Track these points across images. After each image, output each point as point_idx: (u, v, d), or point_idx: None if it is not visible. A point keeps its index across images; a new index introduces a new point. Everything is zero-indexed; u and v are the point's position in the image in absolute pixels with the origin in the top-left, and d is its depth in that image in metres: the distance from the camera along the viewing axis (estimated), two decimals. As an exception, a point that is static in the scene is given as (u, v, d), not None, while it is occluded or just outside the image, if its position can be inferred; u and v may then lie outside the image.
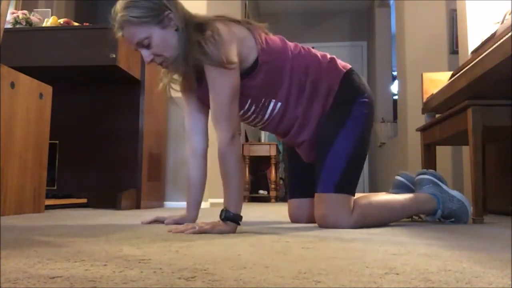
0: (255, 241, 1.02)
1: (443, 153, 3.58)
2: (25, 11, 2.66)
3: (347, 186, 1.42)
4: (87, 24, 2.68)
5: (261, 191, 5.50)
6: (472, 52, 2.80)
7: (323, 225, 1.40)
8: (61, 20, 2.60)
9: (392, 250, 0.87)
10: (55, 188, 2.74)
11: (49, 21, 2.59)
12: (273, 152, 5.11)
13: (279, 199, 5.68)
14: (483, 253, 0.86)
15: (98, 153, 2.79)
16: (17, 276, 0.58)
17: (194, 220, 1.51)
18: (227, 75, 1.27)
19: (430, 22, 4.14)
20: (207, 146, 1.53)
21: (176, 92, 1.49)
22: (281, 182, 6.13)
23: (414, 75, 3.94)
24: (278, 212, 2.50)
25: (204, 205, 1.46)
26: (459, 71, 2.09)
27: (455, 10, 3.65)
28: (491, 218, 2.03)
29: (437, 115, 2.49)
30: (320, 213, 1.41)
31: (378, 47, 6.13)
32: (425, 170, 1.68)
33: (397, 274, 0.62)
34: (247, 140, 5.52)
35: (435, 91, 2.49)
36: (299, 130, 1.51)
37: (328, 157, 1.43)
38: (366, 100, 1.50)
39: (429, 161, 2.50)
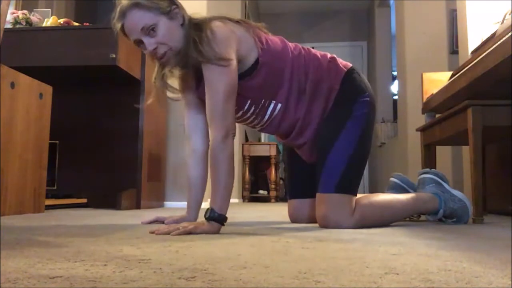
0: (255, 241, 1.02)
1: (443, 153, 3.58)
2: (25, 11, 2.66)
3: (349, 186, 1.41)
4: (87, 24, 2.68)
5: (261, 191, 5.50)
6: (472, 52, 2.80)
7: (325, 225, 1.40)
8: (61, 20, 2.61)
9: (392, 250, 0.87)
10: (55, 188, 2.74)
11: (49, 21, 2.59)
12: (273, 152, 5.11)
13: (279, 199, 5.68)
14: (483, 253, 0.86)
15: (98, 153, 2.79)
16: (17, 276, 0.58)
17: (194, 220, 1.50)
18: (223, 72, 1.26)
19: (430, 22, 4.14)
20: (207, 147, 1.52)
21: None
22: (281, 182, 6.13)
23: (414, 75, 3.95)
24: (278, 212, 2.50)
25: (204, 205, 1.45)
26: (459, 71, 2.09)
27: (455, 10, 3.65)
28: (491, 218, 2.03)
29: (437, 115, 2.49)
30: (321, 213, 1.41)
31: (378, 47, 6.13)
32: (427, 169, 1.68)
33: (397, 274, 0.62)
34: (247, 140, 5.52)
35: (435, 91, 2.49)
36: (300, 131, 1.51)
37: (329, 157, 1.43)
38: (367, 99, 1.50)
39: (429, 161, 2.50)
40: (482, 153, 1.87)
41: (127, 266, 0.66)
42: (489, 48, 1.74)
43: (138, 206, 2.65)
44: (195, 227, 1.17)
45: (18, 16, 2.60)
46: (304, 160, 1.63)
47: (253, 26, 1.41)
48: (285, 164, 1.83)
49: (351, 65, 1.56)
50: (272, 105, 1.46)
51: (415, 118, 3.88)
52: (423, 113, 2.66)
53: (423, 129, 2.54)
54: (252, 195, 5.33)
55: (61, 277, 0.58)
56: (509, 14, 2.16)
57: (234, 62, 1.30)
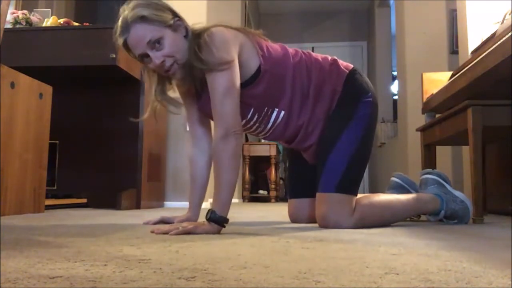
0: (255, 241, 1.02)
1: (443, 153, 3.58)
2: (25, 11, 2.66)
3: (349, 186, 1.41)
4: (87, 24, 2.68)
5: (261, 191, 5.50)
6: (472, 52, 2.80)
7: (324, 225, 1.40)
8: (61, 20, 2.61)
9: (392, 250, 0.87)
10: (55, 188, 2.74)
11: (49, 21, 2.59)
12: (273, 152, 5.11)
13: (279, 199, 5.68)
14: (483, 253, 0.86)
15: (98, 153, 2.79)
16: (17, 276, 0.58)
17: (197, 220, 1.50)
18: (224, 74, 1.26)
19: (430, 22, 4.14)
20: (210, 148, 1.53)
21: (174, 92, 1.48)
22: (281, 182, 6.13)
23: (414, 75, 3.95)
24: (278, 212, 2.50)
25: (205, 205, 1.46)
26: (459, 71, 2.09)
27: (455, 10, 3.65)
28: (491, 218, 2.03)
29: (437, 115, 2.49)
30: (321, 212, 1.40)
31: (378, 47, 6.13)
32: (430, 170, 1.68)
33: (397, 274, 0.62)
34: (247, 140, 5.52)
35: (435, 91, 2.49)
36: (306, 135, 1.51)
37: (330, 157, 1.43)
38: (370, 99, 1.50)
39: (429, 161, 2.50)
40: (482, 153, 1.87)
41: (127, 266, 0.66)
42: (489, 48, 1.74)
43: (138, 206, 2.65)
44: (195, 227, 1.17)
45: (18, 16, 2.60)
46: (306, 160, 1.62)
47: (253, 34, 1.41)
48: (286, 164, 1.83)
49: (352, 66, 1.56)
50: (275, 113, 1.46)
51: (415, 118, 3.88)
52: (423, 113, 2.66)
53: (423, 129, 2.54)
54: (252, 195, 5.33)
55: (61, 277, 0.58)
56: (509, 14, 2.16)
57: (236, 62, 1.29)
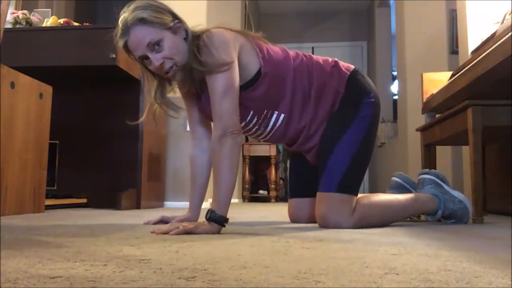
0: (255, 241, 1.02)
1: (443, 153, 3.58)
2: (25, 11, 2.66)
3: (350, 186, 1.41)
4: (87, 24, 2.68)
5: (261, 191, 5.50)
6: (472, 52, 2.80)
7: (324, 225, 1.40)
8: (61, 20, 2.61)
9: (392, 250, 0.87)
10: (55, 188, 2.74)
11: (49, 21, 2.59)
12: (273, 152, 5.11)
13: (279, 199, 5.68)
14: (483, 253, 0.86)
15: (98, 153, 2.79)
16: (17, 276, 0.58)
17: (197, 220, 1.50)
18: (221, 76, 1.26)
19: (430, 22, 4.14)
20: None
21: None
22: (281, 182, 6.13)
23: (414, 75, 3.95)
24: (278, 212, 2.50)
25: (205, 205, 1.46)
26: (459, 71, 2.09)
27: (455, 10, 3.65)
28: (491, 218, 2.03)
29: (437, 115, 2.49)
30: (321, 212, 1.40)
31: (378, 47, 6.13)
32: (427, 170, 1.68)
33: (397, 274, 0.62)
34: (247, 140, 5.52)
35: (435, 91, 2.49)
36: (307, 137, 1.51)
37: (331, 157, 1.43)
38: (372, 100, 1.50)
39: (429, 161, 2.50)
40: (482, 153, 1.87)
41: (127, 266, 0.66)
42: (489, 48, 1.74)
43: (138, 206, 2.65)
44: (195, 226, 1.17)
45: (18, 16, 2.60)
46: (307, 160, 1.62)
47: (253, 36, 1.41)
48: (286, 164, 1.83)
49: (353, 67, 1.56)
50: (274, 116, 1.46)
51: (415, 118, 3.88)
52: (423, 113, 2.66)
53: (423, 129, 2.54)
54: (252, 195, 5.33)
55: (61, 277, 0.58)
56: (509, 14, 2.16)
57: (235, 63, 1.29)
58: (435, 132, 2.33)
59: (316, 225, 1.46)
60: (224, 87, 1.25)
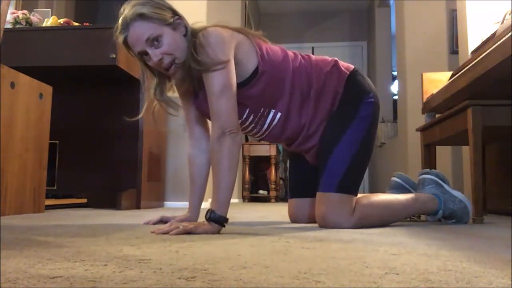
0: (255, 241, 1.02)
1: (443, 153, 3.58)
2: (25, 11, 2.66)
3: (350, 186, 1.41)
4: (87, 24, 2.68)
5: (261, 191, 5.50)
6: (472, 52, 2.80)
7: (324, 225, 1.40)
8: (61, 20, 2.61)
9: (392, 250, 0.87)
10: (55, 188, 2.74)
11: (49, 21, 2.59)
12: (273, 152, 5.11)
13: (279, 199, 5.68)
14: (483, 253, 0.86)
15: (98, 153, 2.79)
16: (17, 276, 0.58)
17: (197, 220, 1.50)
18: (218, 75, 1.25)
19: (430, 22, 4.14)
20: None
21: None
22: (281, 182, 6.13)
23: (414, 75, 3.95)
24: (278, 212, 2.50)
25: (205, 205, 1.46)
26: (459, 71, 2.09)
27: (455, 10, 3.65)
28: (491, 218, 2.03)
29: (437, 115, 2.49)
30: (320, 212, 1.40)
31: (378, 47, 6.13)
32: (428, 169, 1.69)
33: (397, 274, 0.62)
34: (247, 140, 5.52)
35: (435, 91, 2.49)
36: (306, 137, 1.51)
37: (331, 156, 1.43)
38: (372, 100, 1.50)
39: (429, 161, 2.50)
40: (482, 153, 1.87)
41: (127, 266, 0.66)
42: (489, 48, 1.74)
43: (138, 206, 2.65)
44: (195, 226, 1.17)
45: (18, 16, 2.60)
46: (307, 160, 1.62)
47: (252, 34, 1.41)
48: (286, 164, 1.83)
49: (353, 67, 1.55)
50: (271, 114, 1.46)
51: (415, 118, 3.88)
52: (423, 113, 2.66)
53: (423, 129, 2.54)
54: (252, 195, 5.33)
55: (61, 277, 0.58)
56: (509, 14, 2.16)
57: (232, 62, 1.29)
58: (435, 132, 2.33)
59: (316, 225, 1.46)
60: (221, 86, 1.25)
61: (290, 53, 1.50)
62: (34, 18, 2.65)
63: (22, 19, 2.60)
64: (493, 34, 2.34)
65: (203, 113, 1.48)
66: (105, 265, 0.67)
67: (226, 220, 1.22)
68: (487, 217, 2.06)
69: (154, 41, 1.25)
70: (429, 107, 2.53)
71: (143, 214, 2.07)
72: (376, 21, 6.19)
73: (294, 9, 6.87)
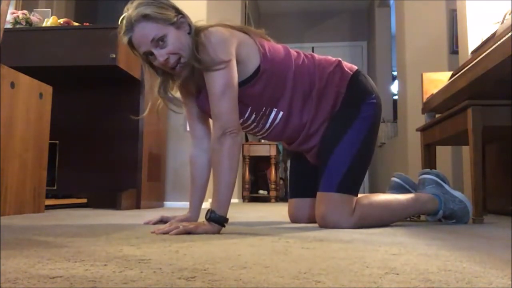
0: (255, 241, 1.02)
1: (443, 153, 3.58)
2: (25, 11, 2.66)
3: (350, 186, 1.41)
4: (87, 24, 2.68)
5: (261, 191, 5.50)
6: (472, 52, 2.80)
7: (324, 225, 1.40)
8: (61, 20, 2.61)
9: (392, 250, 0.87)
10: (55, 188, 2.74)
11: (49, 21, 2.59)
12: (273, 152, 5.11)
13: (279, 199, 5.68)
14: (483, 253, 0.86)
15: (98, 153, 2.79)
16: (17, 276, 0.58)
17: (197, 220, 1.50)
18: (220, 74, 1.26)
19: (430, 22, 4.14)
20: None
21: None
22: (281, 182, 6.13)
23: (414, 75, 3.95)
24: (278, 212, 2.50)
25: (205, 205, 1.46)
26: (459, 71, 2.09)
27: (455, 10, 3.65)
28: (491, 218, 2.03)
29: (437, 115, 2.49)
30: (321, 212, 1.40)
31: (378, 47, 6.13)
32: (428, 170, 1.69)
33: (397, 274, 0.62)
34: (247, 140, 5.52)
35: (435, 91, 2.49)
36: (308, 136, 1.51)
37: (332, 157, 1.43)
38: (374, 101, 1.50)
39: (429, 161, 2.50)
40: (482, 153, 1.87)
41: (127, 266, 0.66)
42: (489, 48, 1.74)
43: (138, 206, 2.65)
44: (195, 226, 1.17)
45: (18, 16, 2.60)
46: (307, 160, 1.62)
47: (255, 33, 1.41)
48: (287, 163, 1.83)
49: (356, 67, 1.55)
50: (273, 113, 1.46)
51: (415, 118, 3.88)
52: (423, 113, 2.66)
53: (423, 129, 2.54)
54: (252, 195, 5.33)
55: (61, 277, 0.58)
56: (509, 14, 2.15)
57: (233, 62, 1.29)
58: (435, 132, 2.33)
59: (316, 225, 1.46)
60: (222, 86, 1.25)
61: (293, 52, 1.49)
62: (34, 18, 2.65)
63: (22, 19, 2.60)
64: (493, 34, 2.34)
65: (205, 112, 1.48)
66: (105, 265, 0.67)
67: (226, 220, 1.22)
68: (487, 217, 2.06)
69: (159, 41, 1.25)
70: (429, 107, 2.53)
71: (143, 214, 2.07)
72: (376, 21, 6.19)
73: (294, 9, 6.87)
